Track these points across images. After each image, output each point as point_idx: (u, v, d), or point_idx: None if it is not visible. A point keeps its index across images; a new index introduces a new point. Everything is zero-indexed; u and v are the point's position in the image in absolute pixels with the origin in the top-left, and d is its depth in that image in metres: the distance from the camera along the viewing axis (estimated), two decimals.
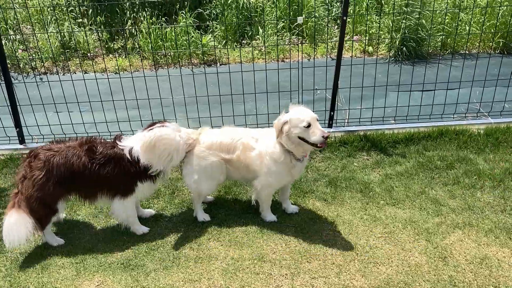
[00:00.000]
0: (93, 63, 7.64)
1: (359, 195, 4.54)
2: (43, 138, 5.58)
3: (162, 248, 4.02)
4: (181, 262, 3.87)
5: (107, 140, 4.05)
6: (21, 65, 7.56)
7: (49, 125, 5.54)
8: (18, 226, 3.73)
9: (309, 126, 3.74)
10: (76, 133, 5.53)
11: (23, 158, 3.95)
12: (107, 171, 3.86)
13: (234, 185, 4.77)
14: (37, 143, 5.58)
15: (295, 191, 4.61)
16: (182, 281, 3.69)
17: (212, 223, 4.30)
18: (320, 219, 4.26)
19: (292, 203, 4.43)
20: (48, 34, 7.64)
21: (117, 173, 3.88)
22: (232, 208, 4.49)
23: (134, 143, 3.95)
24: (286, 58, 8.11)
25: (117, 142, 3.98)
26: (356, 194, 4.55)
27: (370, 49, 8.33)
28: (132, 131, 5.48)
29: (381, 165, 4.99)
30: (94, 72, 6.60)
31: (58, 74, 7.37)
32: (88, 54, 7.96)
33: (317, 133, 3.73)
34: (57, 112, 5.56)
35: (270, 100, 5.69)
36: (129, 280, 3.71)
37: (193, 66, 7.67)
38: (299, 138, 3.80)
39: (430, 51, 7.90)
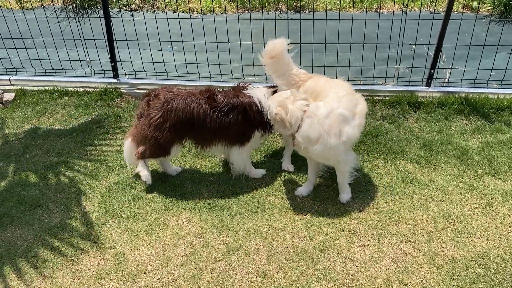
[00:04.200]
0: (187, 2, 7.61)
1: (456, 161, 4.27)
2: (135, 74, 5.70)
3: (247, 193, 4.05)
4: (265, 209, 3.88)
5: (226, 90, 4.07)
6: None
7: (142, 62, 5.63)
8: (131, 154, 4.09)
9: None
10: (166, 72, 5.60)
11: (143, 96, 4.07)
12: (230, 119, 3.87)
13: None
14: (128, 78, 5.72)
15: (385, 151, 4.42)
16: (266, 227, 3.71)
17: (296, 174, 4.25)
18: (411, 182, 4.06)
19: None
20: None
21: (240, 122, 3.90)
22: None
23: (261, 95, 3.97)
24: (379, 9, 7.62)
25: (244, 90, 4.00)
26: (452, 160, 4.28)
27: (475, 4, 7.60)
28: (221, 74, 5.47)
29: (482, 131, 4.63)
30: (190, 12, 6.56)
31: (154, 11, 7.43)
32: None
33: None
34: (150, 49, 5.62)
35: (357, 52, 5.39)
36: (214, 220, 3.79)
37: (288, 11, 7.42)
38: None
39: None
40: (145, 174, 4.13)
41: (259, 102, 3.95)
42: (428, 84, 5.18)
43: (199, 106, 3.84)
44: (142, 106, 3.94)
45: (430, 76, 5.11)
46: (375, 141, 4.56)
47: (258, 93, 4.00)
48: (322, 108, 3.56)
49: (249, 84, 4.11)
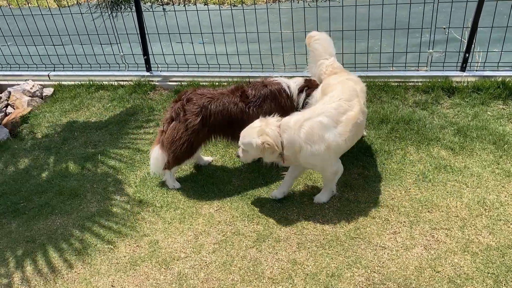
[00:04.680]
0: None
1: (492, 147, 4.14)
2: (167, 67, 5.81)
3: (277, 182, 4.08)
4: (295, 197, 3.90)
5: (254, 82, 4.11)
6: None
7: (174, 54, 5.72)
8: (158, 161, 4.00)
9: None
10: (197, 64, 5.68)
11: (173, 100, 4.07)
12: (264, 110, 3.91)
13: None
14: (160, 71, 5.83)
15: (418, 138, 4.34)
16: (296, 215, 3.73)
17: None
18: (445, 168, 3.98)
19: None
20: None
21: (274, 110, 3.92)
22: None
23: (289, 81, 4.02)
24: None
25: (270, 79, 4.05)
26: (488, 146, 4.16)
27: None
28: (251, 64, 5.50)
29: None
30: (220, 3, 6.59)
31: (184, 4, 7.52)
32: None
33: None
34: (181, 42, 5.70)
35: (389, 38, 5.29)
36: (245, 208, 3.84)
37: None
38: None
39: None
40: (172, 185, 4.14)
41: (288, 87, 3.98)
42: (463, 69, 5.03)
43: (236, 106, 3.89)
44: (175, 110, 3.90)
45: (465, 60, 4.96)
46: (407, 127, 4.48)
47: (285, 79, 4.02)
48: (294, 118, 3.53)
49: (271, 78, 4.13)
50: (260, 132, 3.49)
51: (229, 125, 3.90)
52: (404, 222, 3.56)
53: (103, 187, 4.22)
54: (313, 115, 3.50)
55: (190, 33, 5.60)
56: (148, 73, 5.81)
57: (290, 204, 3.83)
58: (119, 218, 3.88)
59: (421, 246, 3.35)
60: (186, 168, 4.34)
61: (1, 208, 4.08)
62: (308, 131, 3.45)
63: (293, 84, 4.03)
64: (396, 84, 5.12)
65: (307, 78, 4.19)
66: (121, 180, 4.28)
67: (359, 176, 4.03)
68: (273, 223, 3.67)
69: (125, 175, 4.34)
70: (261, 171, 4.21)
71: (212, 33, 5.54)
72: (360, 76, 5.16)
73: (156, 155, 3.97)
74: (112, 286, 3.32)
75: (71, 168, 4.50)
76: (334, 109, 3.53)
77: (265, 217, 3.73)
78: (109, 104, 5.44)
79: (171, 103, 4.08)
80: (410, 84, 5.10)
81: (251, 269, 3.33)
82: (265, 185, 4.06)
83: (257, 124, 3.56)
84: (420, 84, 5.06)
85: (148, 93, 5.57)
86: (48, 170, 4.51)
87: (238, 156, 3.72)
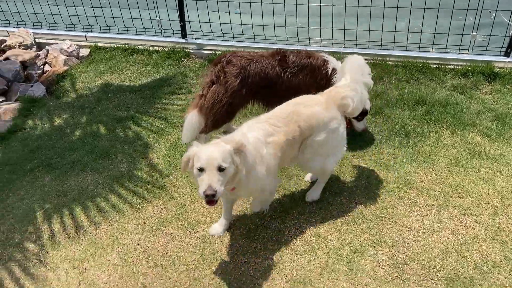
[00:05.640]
0: None
1: None
2: (202, 35, 5.79)
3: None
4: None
5: (300, 50, 4.03)
6: None
7: (210, 22, 5.69)
8: (194, 127, 3.91)
9: (202, 170, 2.73)
10: (233, 34, 5.63)
11: (212, 63, 4.00)
12: (299, 79, 3.87)
13: (385, 106, 4.53)
14: (195, 39, 5.82)
15: (453, 122, 4.23)
16: (322, 190, 3.70)
17: (357, 141, 4.18)
18: (479, 155, 3.88)
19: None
20: None
21: (308, 83, 3.88)
22: (380, 128, 4.30)
23: (336, 63, 3.90)
24: None
25: (319, 53, 3.98)
26: None
27: None
28: (287, 37, 5.43)
29: None
30: None
31: None
32: None
33: (202, 184, 2.69)
34: (218, 11, 5.65)
35: (431, 18, 5.12)
36: None
37: None
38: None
39: None
40: None
41: (333, 69, 3.85)
42: (506, 54, 4.85)
43: (273, 69, 3.85)
44: (215, 73, 3.85)
45: (510, 46, 4.77)
46: (443, 111, 4.37)
47: (334, 61, 3.91)
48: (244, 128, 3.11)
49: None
50: (225, 142, 2.83)
51: (265, 88, 3.86)
52: (433, 205, 3.50)
53: (133, 149, 4.29)
54: (243, 130, 3.06)
55: (228, 2, 5.55)
56: (183, 40, 5.80)
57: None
58: (147, 180, 3.94)
59: (448, 230, 3.30)
60: (215, 136, 4.34)
61: (36, 162, 4.20)
62: (255, 150, 2.96)
63: (338, 65, 3.83)
64: (435, 66, 4.99)
65: None
66: (151, 144, 4.34)
67: (390, 156, 3.97)
68: (298, 197, 3.67)
69: (156, 139, 4.39)
70: None
71: (250, 2, 5.48)
72: (399, 56, 5.10)
73: (193, 119, 3.88)
74: (138, 244, 3.40)
75: (103, 128, 4.58)
76: (261, 129, 3.07)
77: (291, 190, 3.74)
78: (143, 69, 5.48)
79: (210, 67, 4.03)
80: (449, 67, 4.96)
81: (274, 238, 3.35)
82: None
83: (216, 142, 2.89)
84: (459, 67, 4.91)
85: (182, 60, 5.58)
86: (81, 128, 4.61)
87: (213, 196, 2.63)
